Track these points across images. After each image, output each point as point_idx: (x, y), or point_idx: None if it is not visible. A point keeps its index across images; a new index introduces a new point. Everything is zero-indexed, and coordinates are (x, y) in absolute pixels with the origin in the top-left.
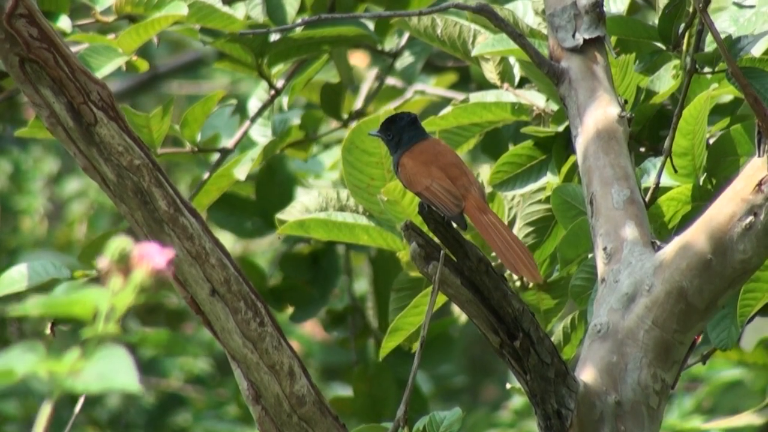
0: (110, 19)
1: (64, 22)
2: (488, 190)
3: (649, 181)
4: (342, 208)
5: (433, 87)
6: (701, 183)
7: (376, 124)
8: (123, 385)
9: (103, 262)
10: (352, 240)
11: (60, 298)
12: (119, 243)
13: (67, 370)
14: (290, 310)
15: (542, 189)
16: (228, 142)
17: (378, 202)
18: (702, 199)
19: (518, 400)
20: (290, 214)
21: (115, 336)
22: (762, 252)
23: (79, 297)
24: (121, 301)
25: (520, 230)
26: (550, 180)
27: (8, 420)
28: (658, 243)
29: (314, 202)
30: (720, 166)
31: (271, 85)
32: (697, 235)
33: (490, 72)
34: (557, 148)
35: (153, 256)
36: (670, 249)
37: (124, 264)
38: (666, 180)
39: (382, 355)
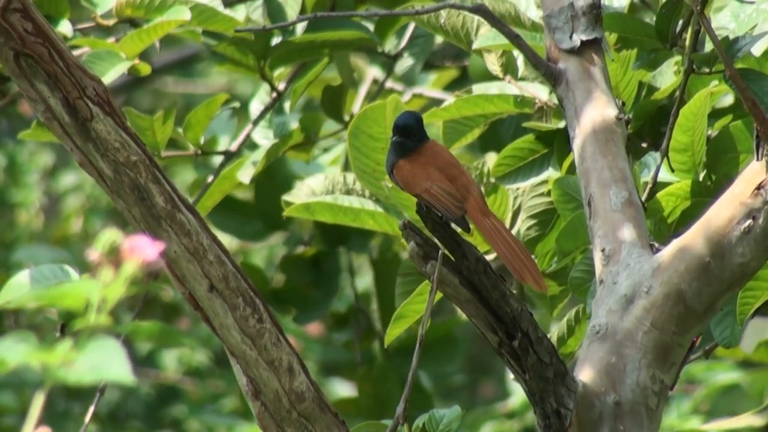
0: (111, 22)
1: (65, 27)
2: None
3: (649, 176)
4: (348, 192)
5: (430, 88)
6: (701, 179)
7: (382, 111)
8: (116, 376)
9: (93, 254)
10: (357, 224)
11: (52, 290)
12: (109, 235)
13: (59, 361)
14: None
15: (545, 182)
16: (227, 144)
17: (384, 187)
18: (701, 195)
19: (516, 401)
20: (297, 196)
21: (107, 327)
22: (761, 256)
23: (70, 289)
24: (111, 293)
25: (523, 222)
26: (552, 174)
27: (5, 412)
28: (657, 245)
29: (321, 185)
30: (719, 163)
31: (273, 88)
32: (695, 238)
33: (493, 64)
34: (559, 142)
35: (143, 249)
36: (668, 251)
37: (114, 256)
38: (666, 176)
39: (388, 342)
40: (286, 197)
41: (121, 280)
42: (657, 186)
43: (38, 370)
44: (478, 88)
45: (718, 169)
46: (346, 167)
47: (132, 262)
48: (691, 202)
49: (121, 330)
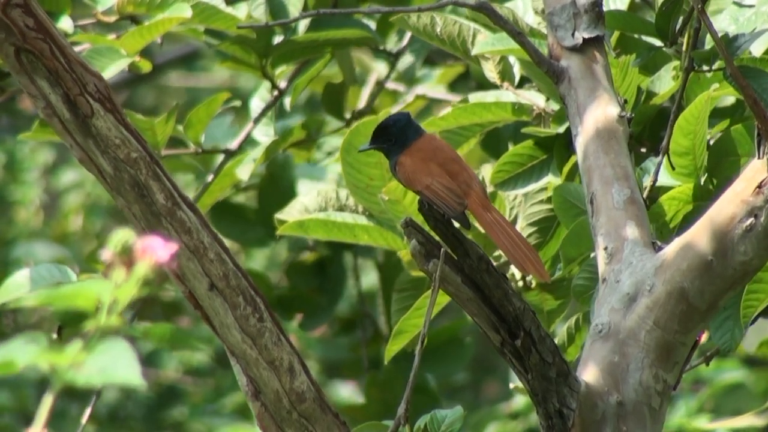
0: (112, 19)
1: (65, 23)
2: (490, 189)
3: (648, 180)
4: (341, 208)
5: (434, 87)
6: (702, 183)
7: (374, 126)
8: (125, 379)
9: (105, 254)
10: (352, 240)
11: (63, 290)
12: (122, 235)
13: (68, 363)
14: (299, 318)
15: (544, 189)
16: (229, 146)
17: (378, 201)
18: (703, 198)
19: (519, 401)
20: (289, 214)
21: (118, 329)
22: (763, 254)
23: (81, 289)
24: (123, 294)
25: (522, 230)
26: (552, 180)
27: (2, 411)
28: (659, 243)
29: (314, 202)
30: (721, 166)
31: (275, 86)
32: (697, 236)
33: (490, 71)
34: (558, 148)
35: (156, 249)
36: (670, 249)
37: (126, 256)
38: (667, 179)
39: (387, 359)
40: (279, 215)
41: (134, 281)
42: (659, 190)
43: (42, 370)
44: (474, 97)
45: (719, 172)
46: None
47: (144, 263)
48: (693, 206)
49: (133, 332)
